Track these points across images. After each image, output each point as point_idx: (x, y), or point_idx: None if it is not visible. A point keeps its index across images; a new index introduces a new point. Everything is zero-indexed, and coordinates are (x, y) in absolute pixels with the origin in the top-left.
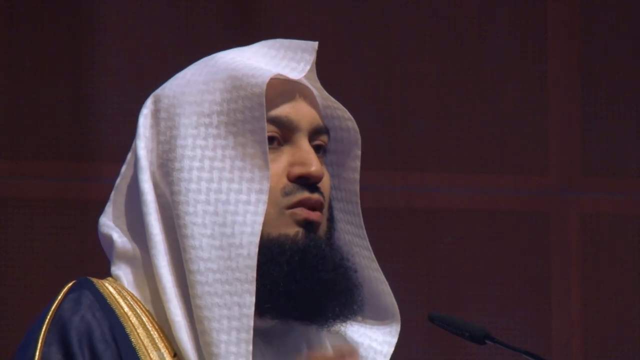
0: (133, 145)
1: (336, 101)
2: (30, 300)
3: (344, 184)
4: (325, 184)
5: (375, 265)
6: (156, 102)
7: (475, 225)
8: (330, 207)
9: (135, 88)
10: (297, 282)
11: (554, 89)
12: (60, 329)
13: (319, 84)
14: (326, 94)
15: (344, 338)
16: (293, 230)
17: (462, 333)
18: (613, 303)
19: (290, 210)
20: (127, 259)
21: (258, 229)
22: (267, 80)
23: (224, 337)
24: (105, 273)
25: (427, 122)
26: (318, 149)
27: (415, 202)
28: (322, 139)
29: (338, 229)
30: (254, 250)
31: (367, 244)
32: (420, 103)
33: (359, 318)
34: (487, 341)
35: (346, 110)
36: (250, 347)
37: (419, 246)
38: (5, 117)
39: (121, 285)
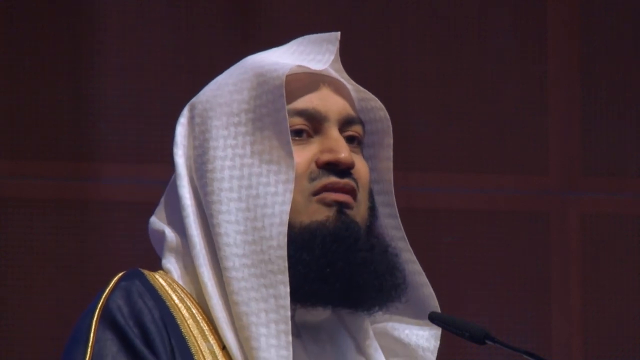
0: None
1: (367, 91)
2: (30, 300)
3: (382, 175)
4: (361, 173)
5: (412, 257)
6: (192, 109)
7: (475, 225)
8: (372, 198)
9: (135, 88)
10: (331, 265)
11: (554, 89)
12: (112, 314)
13: (346, 75)
14: (357, 85)
15: (391, 337)
16: (323, 215)
17: (462, 333)
18: (613, 303)
19: (316, 197)
20: (177, 254)
21: (286, 218)
22: (286, 71)
23: (263, 330)
24: (106, 274)
25: (427, 122)
26: (352, 140)
27: (415, 202)
28: (355, 130)
29: (379, 220)
30: (283, 240)
31: (403, 234)
32: (420, 103)
33: (401, 309)
34: (487, 341)
35: (377, 99)
36: (290, 338)
37: (419, 246)
38: (5, 117)
39: (171, 278)
